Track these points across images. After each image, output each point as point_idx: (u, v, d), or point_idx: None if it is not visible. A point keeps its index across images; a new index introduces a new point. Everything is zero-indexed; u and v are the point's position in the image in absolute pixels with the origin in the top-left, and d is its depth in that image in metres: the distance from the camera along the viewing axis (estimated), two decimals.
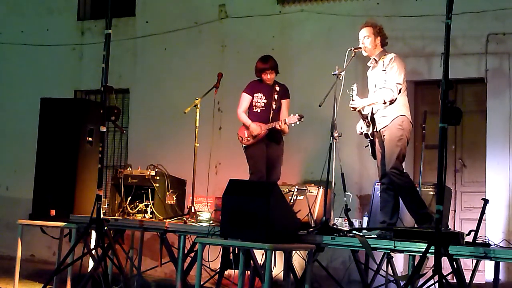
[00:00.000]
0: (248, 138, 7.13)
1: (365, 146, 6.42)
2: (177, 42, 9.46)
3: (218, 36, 9.19)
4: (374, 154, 6.36)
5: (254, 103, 7.24)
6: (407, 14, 7.96)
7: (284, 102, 7.23)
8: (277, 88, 7.22)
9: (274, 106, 7.17)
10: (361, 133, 6.35)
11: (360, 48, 6.31)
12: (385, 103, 6.10)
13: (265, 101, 7.20)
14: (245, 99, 7.26)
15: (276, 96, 7.18)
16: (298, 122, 6.98)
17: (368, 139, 6.33)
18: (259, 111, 7.21)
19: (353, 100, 6.17)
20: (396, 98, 6.08)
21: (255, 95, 7.24)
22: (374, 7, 8.17)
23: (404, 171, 6.17)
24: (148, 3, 9.82)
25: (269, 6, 8.89)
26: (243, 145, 7.21)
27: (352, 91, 6.17)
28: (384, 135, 6.15)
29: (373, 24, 6.33)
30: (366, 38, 6.28)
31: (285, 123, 7.02)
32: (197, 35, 9.33)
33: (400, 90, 6.09)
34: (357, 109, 6.23)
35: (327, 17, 8.47)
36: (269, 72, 7.16)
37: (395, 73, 6.11)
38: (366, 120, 6.25)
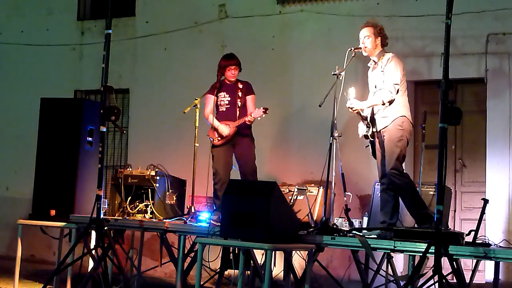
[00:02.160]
0: (219, 138, 7.11)
1: (366, 146, 6.41)
2: (177, 42, 9.46)
3: (218, 36, 9.18)
4: (374, 154, 6.36)
5: (219, 103, 7.22)
6: (407, 14, 7.96)
7: (249, 98, 7.19)
8: (240, 86, 7.20)
9: (239, 103, 7.14)
10: (363, 133, 6.35)
11: (360, 48, 6.30)
12: (383, 104, 6.10)
13: (229, 98, 7.18)
14: (209, 100, 7.23)
15: (240, 93, 7.16)
16: (264, 115, 6.97)
17: (368, 140, 6.33)
18: (224, 109, 7.19)
19: (350, 102, 6.17)
20: (395, 99, 6.08)
21: (218, 94, 7.21)
22: (374, 7, 8.17)
23: (404, 171, 6.17)
24: (148, 3, 9.82)
25: (269, 6, 8.89)
26: (212, 144, 7.17)
27: (349, 95, 6.17)
28: (384, 136, 6.15)
29: (373, 24, 6.32)
30: (366, 38, 6.27)
31: (252, 117, 6.99)
32: (197, 35, 9.33)
33: (398, 90, 6.09)
34: (355, 110, 6.23)
35: (327, 17, 8.47)
36: (233, 68, 7.14)
37: (392, 73, 6.10)
38: (366, 121, 6.25)
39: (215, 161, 7.11)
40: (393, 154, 6.04)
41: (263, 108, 6.95)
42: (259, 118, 6.99)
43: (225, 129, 7.06)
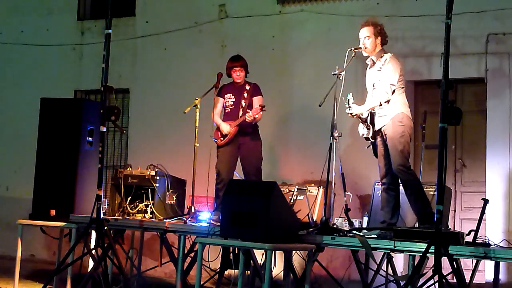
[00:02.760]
0: (222, 138, 7.13)
1: (367, 147, 6.41)
2: (177, 42, 9.46)
3: (218, 36, 9.19)
4: (376, 154, 6.34)
5: (225, 104, 7.27)
6: (407, 14, 7.96)
7: (255, 99, 7.19)
8: (247, 87, 7.22)
9: (243, 103, 7.15)
10: (363, 135, 6.35)
11: (360, 48, 6.30)
12: (380, 105, 6.12)
13: (234, 99, 7.20)
14: (217, 101, 7.28)
15: (246, 94, 7.18)
16: (261, 112, 6.98)
17: (369, 141, 6.33)
18: (229, 110, 7.22)
19: (350, 107, 6.17)
20: (390, 99, 6.09)
21: (225, 96, 7.25)
22: (374, 7, 8.17)
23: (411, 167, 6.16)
24: (148, 3, 9.82)
25: (269, 6, 8.89)
26: (217, 145, 7.20)
27: (348, 101, 6.16)
28: (385, 134, 6.15)
29: (373, 23, 6.30)
30: (366, 39, 6.26)
31: (250, 115, 6.98)
32: (197, 35, 9.33)
33: (394, 90, 6.09)
34: (354, 115, 6.23)
35: (327, 17, 8.47)
36: (238, 69, 7.17)
37: (389, 74, 6.10)
38: (366, 123, 6.26)
39: (218, 162, 7.12)
40: (398, 150, 6.02)
41: (259, 106, 6.97)
42: (257, 116, 7.00)
43: (225, 127, 7.10)
